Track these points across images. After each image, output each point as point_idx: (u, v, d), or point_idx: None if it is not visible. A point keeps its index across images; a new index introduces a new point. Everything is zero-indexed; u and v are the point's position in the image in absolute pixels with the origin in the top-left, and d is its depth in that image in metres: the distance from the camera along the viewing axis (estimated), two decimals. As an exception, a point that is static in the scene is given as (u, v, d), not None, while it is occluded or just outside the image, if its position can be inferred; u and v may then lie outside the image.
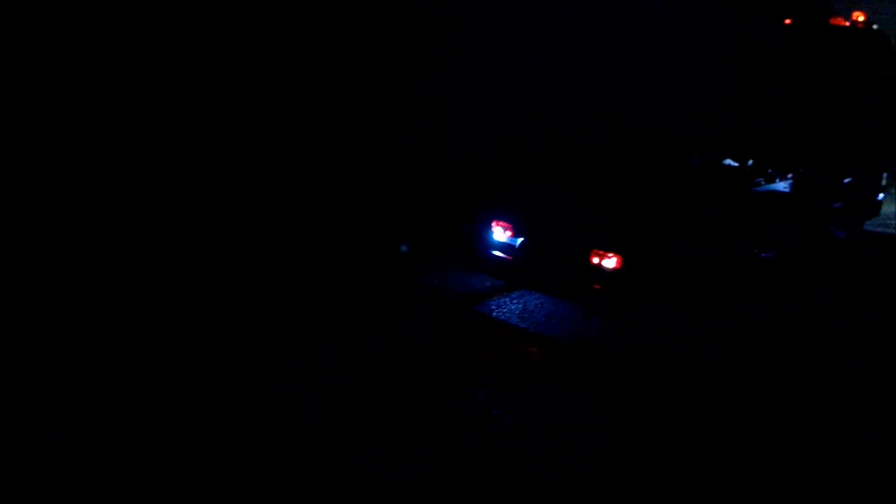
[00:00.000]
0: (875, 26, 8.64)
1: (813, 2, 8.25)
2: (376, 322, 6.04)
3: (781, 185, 7.98)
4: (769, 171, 8.03)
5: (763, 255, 7.33)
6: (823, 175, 8.27)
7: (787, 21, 8.33)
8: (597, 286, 6.08)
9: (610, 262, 5.99)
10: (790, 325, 6.18)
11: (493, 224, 6.70)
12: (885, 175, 9.09)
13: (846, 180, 8.45)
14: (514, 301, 6.55)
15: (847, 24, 8.42)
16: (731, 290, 6.64)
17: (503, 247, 6.66)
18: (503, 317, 6.29)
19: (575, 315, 6.29)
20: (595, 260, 6.06)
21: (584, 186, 6.44)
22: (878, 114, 8.62)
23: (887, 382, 5.19)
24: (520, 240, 6.55)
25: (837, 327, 6.11)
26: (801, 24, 8.25)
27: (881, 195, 9.11)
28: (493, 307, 6.46)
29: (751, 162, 7.69)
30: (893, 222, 9.53)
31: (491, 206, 6.80)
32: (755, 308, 6.48)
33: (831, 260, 7.84)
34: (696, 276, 6.31)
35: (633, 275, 5.94)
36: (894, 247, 8.38)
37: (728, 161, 8.20)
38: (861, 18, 8.52)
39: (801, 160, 8.06)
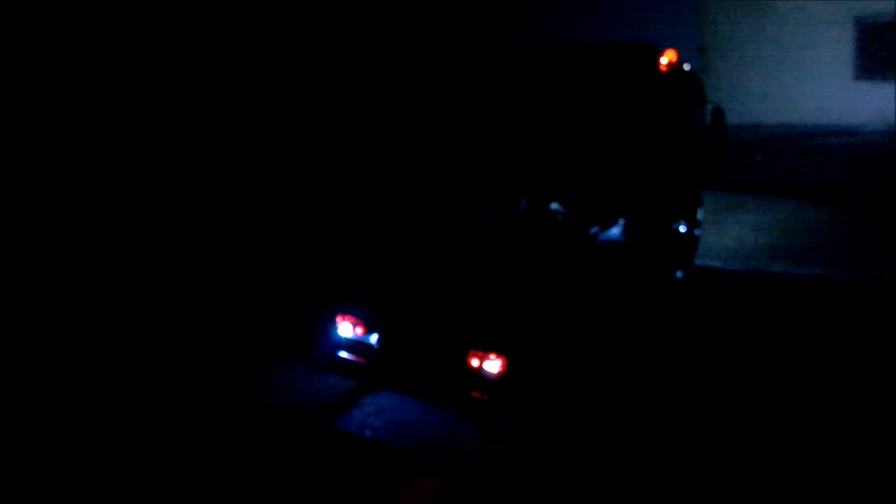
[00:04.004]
0: (687, 66, 8.56)
1: (642, 49, 8.04)
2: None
3: (615, 232, 7.56)
4: (607, 219, 7.62)
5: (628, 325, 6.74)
6: (656, 218, 7.99)
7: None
8: (476, 394, 5.08)
9: (493, 366, 5.02)
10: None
11: (338, 319, 5.45)
12: (700, 210, 9.04)
13: (676, 223, 8.23)
14: (376, 412, 5.33)
15: (666, 64, 8.23)
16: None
17: (353, 346, 5.41)
18: (368, 433, 5.09)
19: (454, 429, 5.22)
20: (474, 363, 5.06)
21: (450, 258, 5.45)
22: (690, 153, 8.58)
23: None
24: (375, 337, 5.37)
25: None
26: (615, 70, 8.14)
27: (697, 231, 9.06)
28: (351, 421, 5.22)
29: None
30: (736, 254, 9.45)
31: (333, 295, 5.56)
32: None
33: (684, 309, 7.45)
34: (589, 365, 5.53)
35: (523, 380, 5.03)
36: (734, 284, 8.23)
37: (554, 205, 7.67)
38: (672, 59, 8.35)
39: (631, 203, 7.72)
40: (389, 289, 5.41)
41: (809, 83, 14.91)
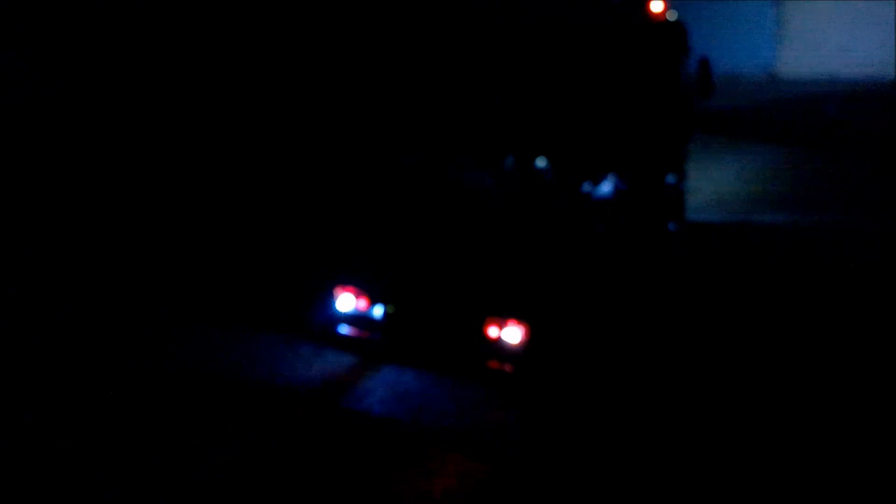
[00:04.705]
0: (673, 14, 8.20)
1: None
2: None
3: (606, 188, 7.24)
4: (597, 174, 7.32)
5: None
6: (647, 171, 7.69)
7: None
8: (495, 365, 4.69)
9: (514, 335, 4.62)
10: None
11: (337, 291, 4.97)
12: (686, 163, 8.76)
13: (667, 175, 7.92)
14: (384, 388, 4.86)
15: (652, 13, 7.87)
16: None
17: (355, 320, 4.96)
18: (377, 410, 4.63)
19: (470, 402, 4.78)
20: (492, 332, 4.65)
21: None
22: (677, 105, 8.29)
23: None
24: (380, 309, 4.91)
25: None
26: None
27: (682, 184, 8.80)
28: (358, 399, 4.75)
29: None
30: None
31: (330, 266, 5.08)
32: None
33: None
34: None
35: (546, 350, 4.64)
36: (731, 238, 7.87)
37: (540, 163, 7.35)
38: (659, 8, 7.99)
39: (620, 158, 7.43)
40: (395, 258, 4.95)
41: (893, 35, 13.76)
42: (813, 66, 11.32)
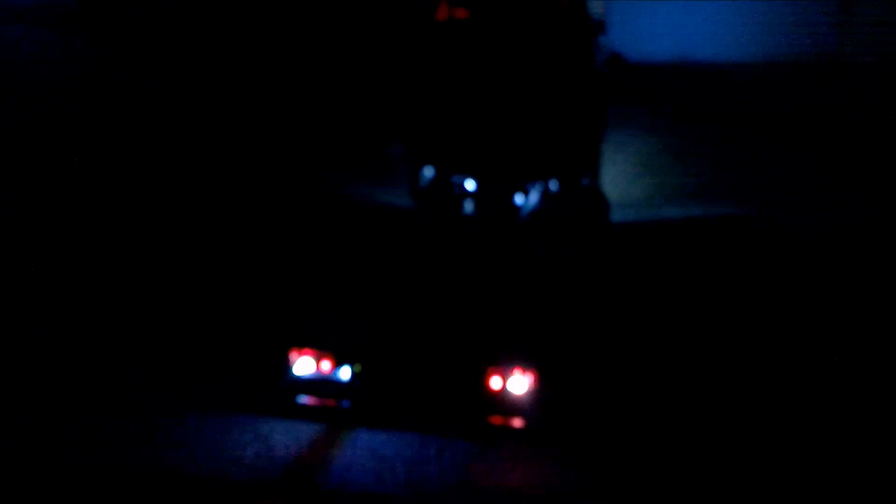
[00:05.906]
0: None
1: None
2: None
3: (534, 199, 6.78)
4: (525, 185, 6.86)
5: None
6: (573, 176, 7.24)
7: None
8: (498, 420, 3.96)
9: (520, 384, 3.91)
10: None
11: (292, 354, 4.06)
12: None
13: (592, 180, 7.49)
14: (370, 457, 3.99)
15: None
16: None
17: (317, 386, 4.07)
18: (357, 487, 3.78)
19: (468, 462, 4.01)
20: (494, 383, 3.92)
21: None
22: (589, 105, 7.92)
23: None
24: (347, 369, 4.06)
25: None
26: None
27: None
28: (336, 477, 3.86)
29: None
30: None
31: (281, 324, 4.16)
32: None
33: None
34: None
35: (557, 397, 3.95)
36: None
37: (457, 178, 6.82)
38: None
39: (543, 165, 7.02)
40: (363, 307, 4.12)
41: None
42: (878, 51, 11.05)
